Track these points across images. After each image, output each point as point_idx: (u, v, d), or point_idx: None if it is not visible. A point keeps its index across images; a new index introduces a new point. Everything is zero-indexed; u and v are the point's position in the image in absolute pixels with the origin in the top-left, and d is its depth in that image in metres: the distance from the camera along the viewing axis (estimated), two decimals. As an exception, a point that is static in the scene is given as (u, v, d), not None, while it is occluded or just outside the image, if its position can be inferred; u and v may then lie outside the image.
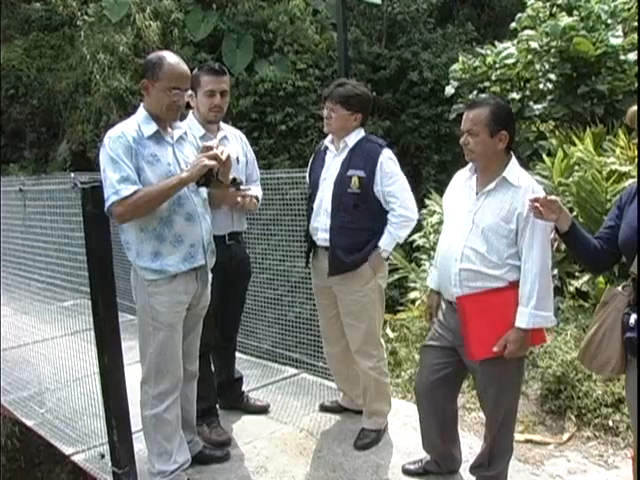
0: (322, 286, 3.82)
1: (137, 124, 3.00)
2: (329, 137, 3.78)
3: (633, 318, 2.47)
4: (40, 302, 5.53)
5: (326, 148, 3.78)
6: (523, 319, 2.79)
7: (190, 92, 3.19)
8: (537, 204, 2.62)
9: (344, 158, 3.62)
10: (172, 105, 2.98)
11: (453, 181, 3.17)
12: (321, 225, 3.68)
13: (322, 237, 3.69)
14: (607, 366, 2.58)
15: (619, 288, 2.60)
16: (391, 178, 3.57)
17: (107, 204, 2.87)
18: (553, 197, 2.66)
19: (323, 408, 4.24)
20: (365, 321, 3.68)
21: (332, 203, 3.60)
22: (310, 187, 3.86)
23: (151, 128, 3.00)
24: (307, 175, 3.97)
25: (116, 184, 2.83)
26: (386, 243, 3.61)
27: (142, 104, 3.08)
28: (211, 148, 3.04)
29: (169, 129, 3.10)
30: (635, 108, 2.61)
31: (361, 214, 3.56)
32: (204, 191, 3.21)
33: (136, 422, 3.24)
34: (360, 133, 3.68)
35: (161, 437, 3.17)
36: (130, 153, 2.90)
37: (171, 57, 3.00)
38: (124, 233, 3.05)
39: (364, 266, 3.60)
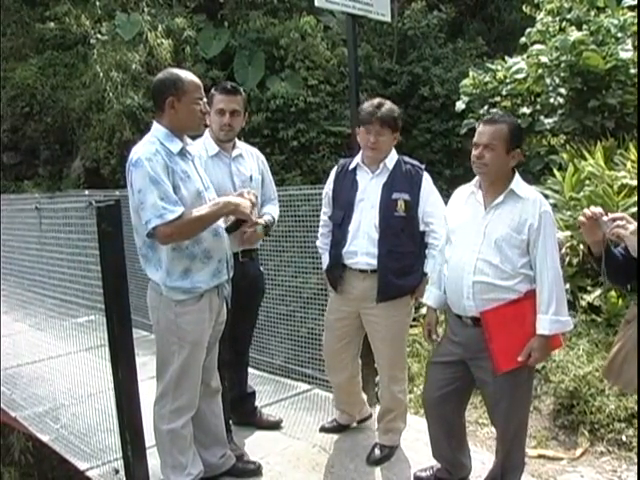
0: (348, 311, 3.70)
1: (159, 142, 2.98)
2: (359, 156, 3.67)
3: None
4: (54, 318, 5.57)
5: (355, 168, 3.67)
6: (545, 326, 2.86)
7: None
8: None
9: (385, 181, 3.55)
10: (202, 114, 3.09)
11: (455, 197, 3.22)
12: (361, 249, 3.57)
13: (363, 261, 3.58)
14: (631, 385, 2.63)
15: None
16: (432, 199, 3.56)
17: (149, 226, 2.86)
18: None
19: (324, 429, 4.16)
20: (397, 346, 3.67)
21: (380, 227, 3.51)
22: (339, 208, 3.69)
23: (177, 145, 3.02)
24: (327, 193, 3.81)
25: (160, 207, 2.84)
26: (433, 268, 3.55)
27: (157, 122, 3.06)
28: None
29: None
30: None
31: (407, 237, 3.53)
32: None
33: (150, 437, 3.26)
34: (394, 153, 3.63)
35: (176, 451, 3.20)
36: (167, 172, 2.91)
37: (183, 71, 3.11)
38: (155, 253, 3.03)
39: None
